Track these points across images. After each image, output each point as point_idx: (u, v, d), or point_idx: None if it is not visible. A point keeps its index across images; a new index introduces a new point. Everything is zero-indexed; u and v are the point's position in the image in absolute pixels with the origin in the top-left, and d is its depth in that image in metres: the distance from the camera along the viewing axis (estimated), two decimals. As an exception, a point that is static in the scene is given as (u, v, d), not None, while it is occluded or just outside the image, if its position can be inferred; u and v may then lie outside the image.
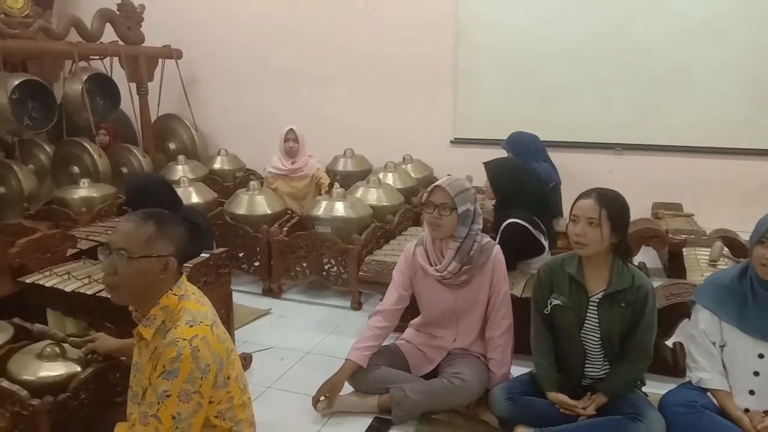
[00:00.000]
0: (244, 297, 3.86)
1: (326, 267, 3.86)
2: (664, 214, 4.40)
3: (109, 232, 3.39)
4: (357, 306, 3.79)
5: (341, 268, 3.81)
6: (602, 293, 2.27)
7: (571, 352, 2.36)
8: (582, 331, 2.32)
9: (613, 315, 2.26)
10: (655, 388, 2.53)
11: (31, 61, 5.26)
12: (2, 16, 4.35)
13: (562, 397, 2.31)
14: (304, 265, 3.91)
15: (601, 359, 2.34)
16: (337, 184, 4.30)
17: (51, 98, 4.81)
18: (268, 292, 4.01)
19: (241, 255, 4.10)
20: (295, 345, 3.28)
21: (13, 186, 4.67)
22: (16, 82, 4.49)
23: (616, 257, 2.27)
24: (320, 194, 4.49)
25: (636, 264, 2.64)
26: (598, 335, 2.30)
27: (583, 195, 2.26)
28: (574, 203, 2.27)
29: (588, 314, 2.30)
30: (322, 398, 2.58)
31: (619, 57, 4.80)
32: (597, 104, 4.93)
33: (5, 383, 2.03)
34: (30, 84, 4.63)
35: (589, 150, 5.01)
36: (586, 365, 2.36)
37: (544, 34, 4.96)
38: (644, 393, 2.39)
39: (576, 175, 4.46)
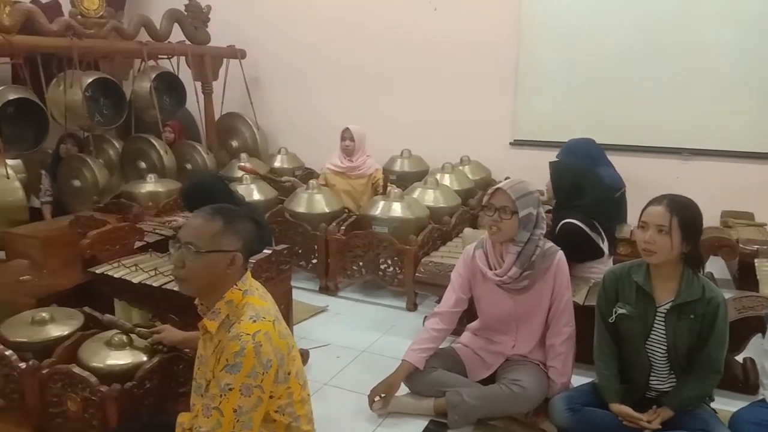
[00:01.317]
0: (302, 294, 3.91)
1: (382, 267, 3.87)
2: (734, 223, 4.21)
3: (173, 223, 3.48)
4: (412, 307, 3.79)
5: (397, 269, 3.81)
6: (670, 304, 2.19)
7: (635, 363, 2.29)
8: (647, 342, 2.25)
9: (680, 327, 2.18)
10: (724, 404, 2.43)
11: (103, 59, 5.47)
12: (79, 17, 4.54)
13: (626, 409, 2.24)
14: (361, 264, 3.93)
15: (667, 371, 2.26)
16: (393, 186, 4.30)
17: (121, 96, 5.01)
18: (324, 290, 4.06)
19: (299, 252, 4.15)
20: (351, 343, 3.29)
21: (88, 179, 4.84)
22: (90, 80, 4.69)
23: (686, 267, 2.19)
24: (376, 195, 4.50)
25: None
26: (665, 347, 2.22)
27: (654, 201, 2.18)
28: (644, 209, 2.19)
29: (654, 325, 2.22)
30: (377, 398, 2.58)
31: (688, 57, 4.60)
32: (664, 106, 4.73)
33: (76, 369, 2.12)
34: (102, 82, 4.84)
35: (655, 154, 4.83)
36: (651, 377, 2.28)
37: (608, 33, 4.80)
38: (713, 409, 2.29)
39: (641, 181, 4.32)
